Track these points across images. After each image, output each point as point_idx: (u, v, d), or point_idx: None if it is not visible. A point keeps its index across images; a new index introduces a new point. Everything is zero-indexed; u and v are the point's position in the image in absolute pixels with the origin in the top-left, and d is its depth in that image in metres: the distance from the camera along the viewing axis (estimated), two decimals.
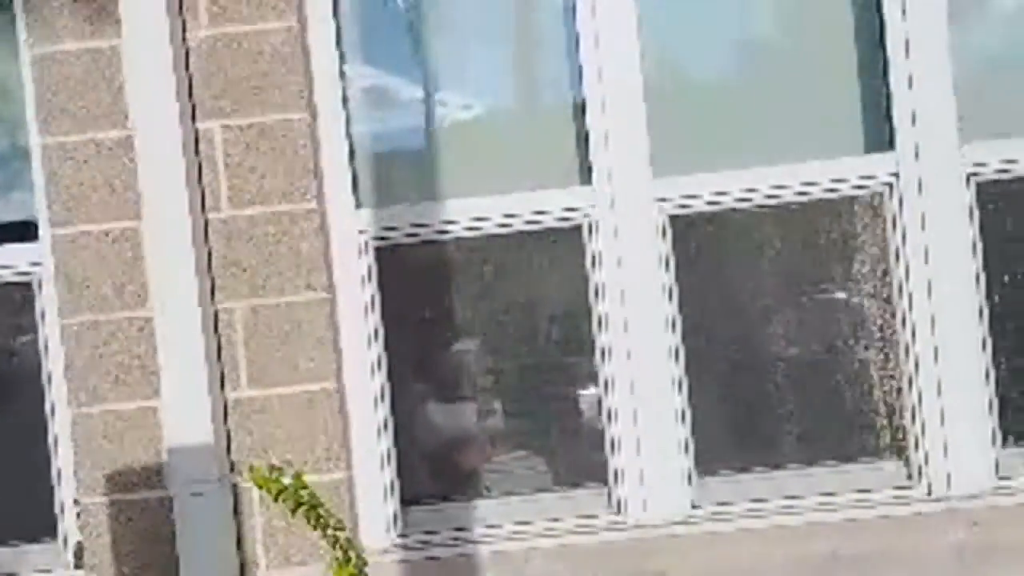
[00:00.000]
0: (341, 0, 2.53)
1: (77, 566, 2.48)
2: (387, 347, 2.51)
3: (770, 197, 2.48)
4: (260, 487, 1.87)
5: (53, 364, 2.51)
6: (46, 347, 2.53)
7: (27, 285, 2.54)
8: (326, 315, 2.41)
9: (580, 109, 2.50)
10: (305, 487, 1.86)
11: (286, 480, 1.84)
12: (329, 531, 1.85)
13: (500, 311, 2.59)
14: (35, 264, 2.52)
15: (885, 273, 2.51)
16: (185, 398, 2.32)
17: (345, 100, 2.51)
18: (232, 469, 2.38)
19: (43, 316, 2.53)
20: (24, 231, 2.55)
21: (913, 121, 2.44)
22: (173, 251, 2.35)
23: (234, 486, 2.37)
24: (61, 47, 2.40)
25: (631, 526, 2.45)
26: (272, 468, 2.01)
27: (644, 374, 2.46)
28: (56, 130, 2.40)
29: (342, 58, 2.52)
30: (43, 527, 2.54)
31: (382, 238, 2.51)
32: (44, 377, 2.53)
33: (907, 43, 2.43)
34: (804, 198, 2.48)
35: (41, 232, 2.51)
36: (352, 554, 1.85)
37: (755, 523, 2.43)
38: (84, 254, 2.40)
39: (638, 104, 2.46)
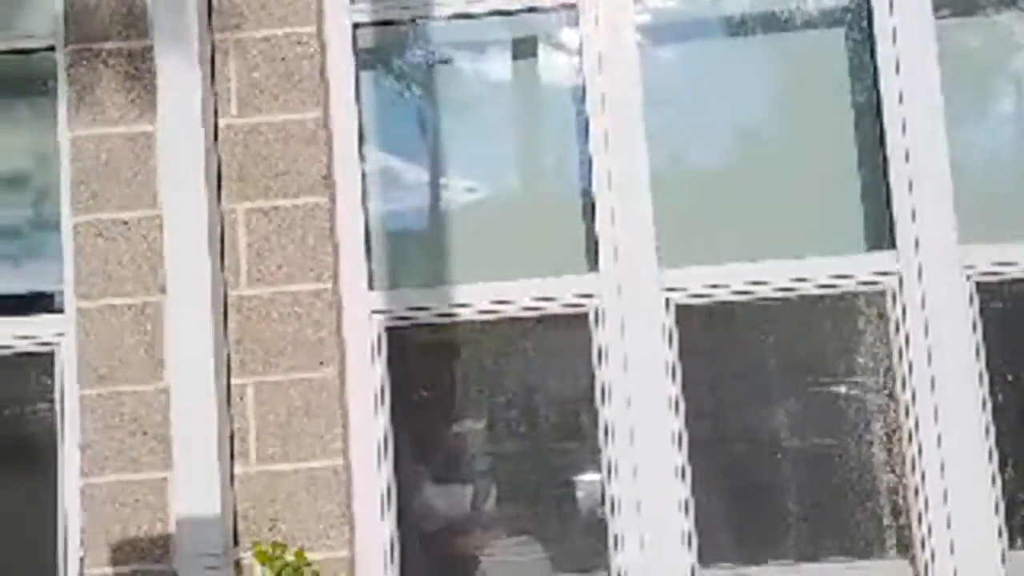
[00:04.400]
0: (362, 90, 2.66)
1: None
2: (395, 427, 2.55)
3: (777, 290, 2.53)
4: (262, 563, 1.89)
5: (68, 433, 2.55)
6: (62, 416, 2.58)
7: (49, 355, 2.61)
8: (336, 393, 2.46)
9: (587, 196, 2.58)
10: (308, 564, 1.87)
11: (289, 557, 1.86)
12: None
13: (508, 394, 2.62)
14: (59, 334, 2.59)
15: (888, 369, 2.54)
16: (196, 471, 2.35)
17: (364, 187, 2.62)
18: (236, 544, 2.39)
19: (62, 385, 2.59)
20: (47, 302, 2.62)
21: (913, 221, 2.52)
22: (193, 326, 2.41)
23: (237, 562, 2.38)
24: (100, 130, 2.53)
25: None
26: (275, 545, 2.03)
27: (648, 461, 2.48)
28: (88, 207, 2.52)
29: (362, 144, 2.64)
30: None
31: (393, 319, 2.57)
32: (58, 445, 2.57)
33: (907, 150, 2.53)
34: (810, 292, 2.53)
35: (66, 304, 2.59)
36: None
37: None
38: (107, 326, 2.47)
39: (645, 196, 2.54)
